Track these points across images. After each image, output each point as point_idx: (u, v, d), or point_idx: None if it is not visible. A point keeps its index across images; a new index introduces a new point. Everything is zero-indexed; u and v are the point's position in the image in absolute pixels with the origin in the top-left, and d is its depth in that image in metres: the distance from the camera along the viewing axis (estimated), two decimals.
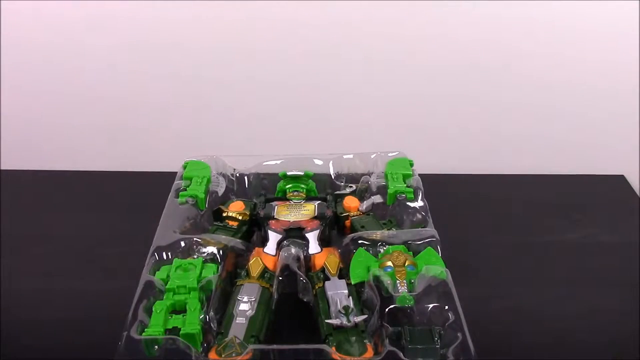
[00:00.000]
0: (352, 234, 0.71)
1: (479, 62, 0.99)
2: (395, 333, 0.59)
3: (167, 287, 0.63)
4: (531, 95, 1.02)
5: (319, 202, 0.77)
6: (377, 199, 0.78)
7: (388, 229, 0.73)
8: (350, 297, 0.63)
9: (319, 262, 0.68)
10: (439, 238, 0.69)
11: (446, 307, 0.61)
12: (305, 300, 0.64)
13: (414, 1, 0.94)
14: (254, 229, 0.76)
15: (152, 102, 1.04)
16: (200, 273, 0.65)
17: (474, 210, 0.94)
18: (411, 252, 0.67)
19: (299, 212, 0.75)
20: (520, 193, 0.98)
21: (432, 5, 0.95)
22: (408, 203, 0.76)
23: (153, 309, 0.60)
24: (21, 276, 0.79)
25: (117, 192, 0.98)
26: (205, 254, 0.69)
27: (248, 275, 0.67)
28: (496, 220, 0.91)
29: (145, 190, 0.93)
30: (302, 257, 0.67)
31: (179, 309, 0.61)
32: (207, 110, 1.05)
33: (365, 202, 0.78)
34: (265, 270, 0.67)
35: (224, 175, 0.83)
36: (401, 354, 0.55)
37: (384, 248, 0.69)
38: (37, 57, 1.00)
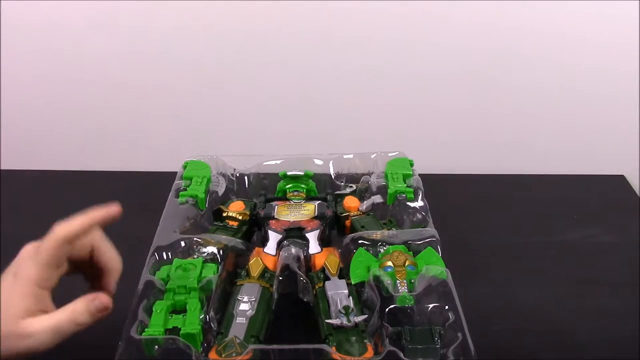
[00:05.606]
0: (352, 234, 0.71)
1: (479, 63, 0.99)
2: (395, 333, 0.59)
3: (167, 287, 0.63)
4: (531, 96, 1.01)
5: (319, 202, 0.77)
6: (377, 199, 0.78)
7: (388, 229, 0.73)
8: (351, 297, 0.63)
9: (319, 262, 0.68)
10: (439, 238, 0.69)
11: (446, 307, 0.61)
12: (305, 300, 0.64)
13: (413, 2, 0.94)
14: (254, 229, 0.76)
15: (153, 102, 1.04)
16: (201, 273, 0.65)
17: (474, 210, 0.94)
18: (411, 252, 0.67)
19: (299, 212, 0.75)
20: (520, 193, 0.98)
21: (431, 6, 0.95)
22: (408, 203, 0.76)
23: (153, 309, 0.60)
24: None
25: (117, 192, 0.97)
26: (205, 254, 0.68)
27: (248, 275, 0.67)
28: (496, 220, 0.91)
29: (145, 190, 0.93)
30: (302, 257, 0.67)
31: (179, 309, 0.61)
32: (207, 110, 1.05)
33: (365, 202, 0.78)
34: (265, 270, 0.67)
35: (224, 175, 0.83)
36: (401, 354, 0.55)
37: (384, 248, 0.69)
38: (37, 57, 1.00)
